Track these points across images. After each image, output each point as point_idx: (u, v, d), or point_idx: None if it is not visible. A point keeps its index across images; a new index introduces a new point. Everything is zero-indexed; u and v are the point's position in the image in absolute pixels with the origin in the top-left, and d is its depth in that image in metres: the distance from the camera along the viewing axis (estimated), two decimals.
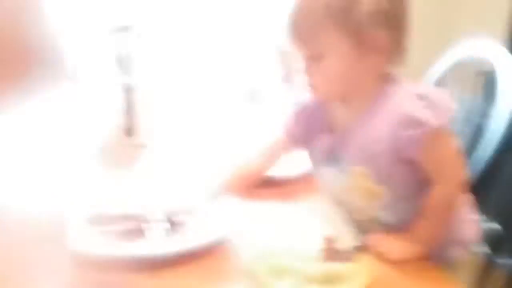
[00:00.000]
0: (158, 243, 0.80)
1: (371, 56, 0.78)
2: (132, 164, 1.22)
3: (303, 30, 0.78)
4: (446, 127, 0.77)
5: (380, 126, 0.79)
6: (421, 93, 0.77)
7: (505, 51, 1.22)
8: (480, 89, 1.32)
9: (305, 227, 0.80)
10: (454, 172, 0.80)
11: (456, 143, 0.82)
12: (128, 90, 1.34)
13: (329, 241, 0.72)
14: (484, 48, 1.28)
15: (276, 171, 1.16)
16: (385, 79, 0.82)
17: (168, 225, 0.85)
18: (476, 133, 1.30)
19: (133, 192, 0.97)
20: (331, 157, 0.86)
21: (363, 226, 0.88)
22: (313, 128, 0.90)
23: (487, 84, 1.32)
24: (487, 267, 1.08)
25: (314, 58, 0.79)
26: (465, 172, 0.81)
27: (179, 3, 1.66)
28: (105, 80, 1.36)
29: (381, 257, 0.77)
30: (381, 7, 0.76)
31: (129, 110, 1.33)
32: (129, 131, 1.33)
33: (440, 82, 1.41)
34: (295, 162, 1.20)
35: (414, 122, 0.75)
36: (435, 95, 0.77)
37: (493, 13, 2.60)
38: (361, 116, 0.82)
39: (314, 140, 0.90)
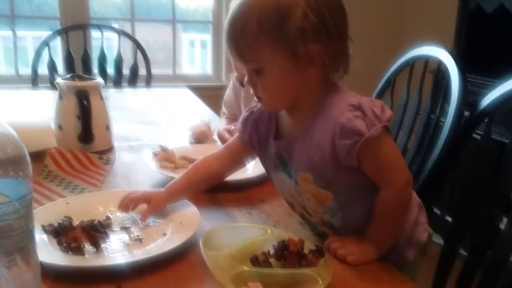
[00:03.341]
0: (120, 254, 0.79)
1: (309, 68, 0.80)
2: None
3: (241, 45, 0.80)
4: (380, 135, 0.78)
5: (320, 135, 0.81)
6: (355, 104, 0.79)
7: (449, 55, 1.28)
8: (429, 88, 1.38)
9: (264, 231, 0.81)
10: (396, 176, 0.82)
11: (394, 147, 0.84)
12: (83, 94, 1.30)
13: (290, 245, 0.73)
14: (432, 51, 1.34)
15: (239, 174, 1.17)
16: (327, 88, 0.84)
17: (129, 236, 0.85)
18: (427, 130, 1.35)
19: (94, 203, 0.96)
20: (281, 162, 0.88)
21: (317, 229, 0.91)
22: (262, 134, 0.92)
23: (435, 83, 1.38)
24: (444, 259, 1.11)
25: (255, 71, 0.82)
26: (407, 173, 0.83)
27: None
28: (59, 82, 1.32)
29: (339, 260, 0.79)
30: (310, 22, 0.77)
31: (85, 115, 1.29)
32: (84, 137, 1.30)
33: (394, 80, 1.47)
34: (252, 165, 1.21)
35: (348, 132, 0.78)
36: (369, 105, 0.78)
37: (442, 23, 2.74)
38: (304, 124, 0.84)
39: (264, 145, 0.92)
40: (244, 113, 0.96)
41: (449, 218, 1.17)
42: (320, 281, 0.66)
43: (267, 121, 0.91)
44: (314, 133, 0.82)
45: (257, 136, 0.93)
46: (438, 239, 1.08)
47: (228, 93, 1.71)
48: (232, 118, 1.68)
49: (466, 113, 1.17)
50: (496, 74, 1.27)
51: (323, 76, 0.82)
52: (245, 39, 0.79)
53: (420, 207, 0.95)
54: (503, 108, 1.09)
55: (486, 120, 1.11)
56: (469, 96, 1.22)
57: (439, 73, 1.36)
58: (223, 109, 1.75)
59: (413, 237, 0.92)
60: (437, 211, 1.22)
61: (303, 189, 0.86)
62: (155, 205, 0.90)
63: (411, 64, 1.43)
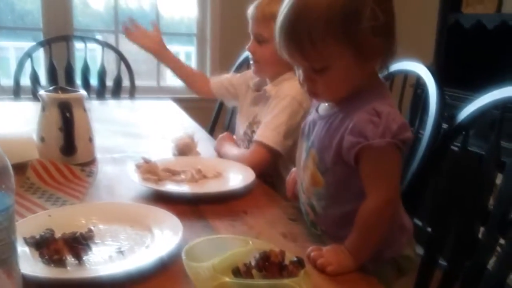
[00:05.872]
0: (102, 266, 0.79)
1: (370, 63, 0.85)
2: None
3: (305, 45, 0.80)
4: (383, 148, 0.80)
5: (338, 124, 0.86)
6: (378, 110, 0.81)
7: (427, 70, 1.31)
8: (409, 100, 1.41)
9: (246, 243, 0.81)
10: (379, 191, 0.83)
11: (394, 165, 0.85)
12: (66, 106, 1.30)
13: (271, 256, 0.74)
14: (411, 66, 1.37)
15: (222, 186, 1.17)
16: (372, 83, 0.88)
17: (112, 248, 0.84)
18: None
19: (76, 215, 0.95)
20: (308, 134, 0.95)
21: (304, 207, 0.97)
22: (313, 104, 1.00)
23: (414, 97, 1.41)
24: (424, 269, 1.13)
25: (316, 70, 0.84)
26: (392, 194, 0.84)
27: None
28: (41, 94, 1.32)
29: (318, 270, 0.80)
30: (379, 21, 0.80)
31: (67, 127, 1.29)
32: (66, 149, 1.29)
33: None
34: (239, 177, 1.22)
35: (356, 131, 0.82)
36: (389, 118, 0.80)
37: (422, 38, 2.79)
38: (335, 109, 0.89)
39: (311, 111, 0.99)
40: None
41: (429, 229, 1.19)
42: None
43: None
44: (336, 120, 0.87)
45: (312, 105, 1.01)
46: (418, 249, 1.10)
47: (236, 76, 1.68)
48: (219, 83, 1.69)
49: (445, 126, 1.20)
50: (474, 88, 1.30)
51: (374, 71, 0.87)
52: (311, 38, 0.79)
53: (402, 212, 0.98)
54: (479, 121, 1.11)
55: (463, 132, 1.14)
56: (448, 109, 1.25)
57: (418, 87, 1.39)
58: (216, 77, 1.72)
59: (395, 242, 0.94)
60: (417, 221, 1.24)
61: (307, 165, 0.92)
62: None
63: (391, 78, 1.45)
